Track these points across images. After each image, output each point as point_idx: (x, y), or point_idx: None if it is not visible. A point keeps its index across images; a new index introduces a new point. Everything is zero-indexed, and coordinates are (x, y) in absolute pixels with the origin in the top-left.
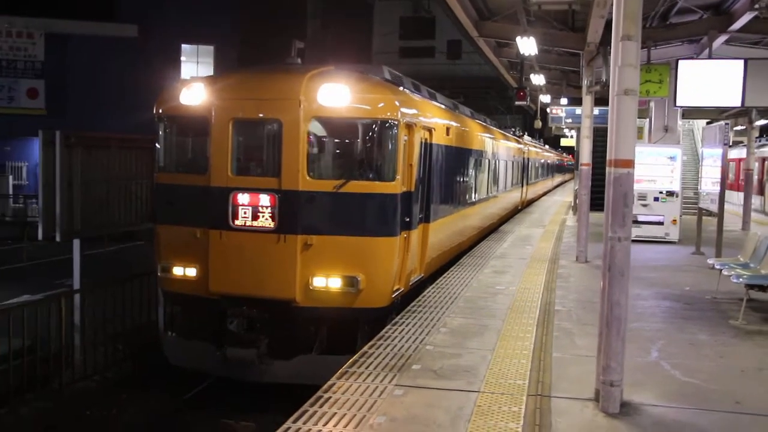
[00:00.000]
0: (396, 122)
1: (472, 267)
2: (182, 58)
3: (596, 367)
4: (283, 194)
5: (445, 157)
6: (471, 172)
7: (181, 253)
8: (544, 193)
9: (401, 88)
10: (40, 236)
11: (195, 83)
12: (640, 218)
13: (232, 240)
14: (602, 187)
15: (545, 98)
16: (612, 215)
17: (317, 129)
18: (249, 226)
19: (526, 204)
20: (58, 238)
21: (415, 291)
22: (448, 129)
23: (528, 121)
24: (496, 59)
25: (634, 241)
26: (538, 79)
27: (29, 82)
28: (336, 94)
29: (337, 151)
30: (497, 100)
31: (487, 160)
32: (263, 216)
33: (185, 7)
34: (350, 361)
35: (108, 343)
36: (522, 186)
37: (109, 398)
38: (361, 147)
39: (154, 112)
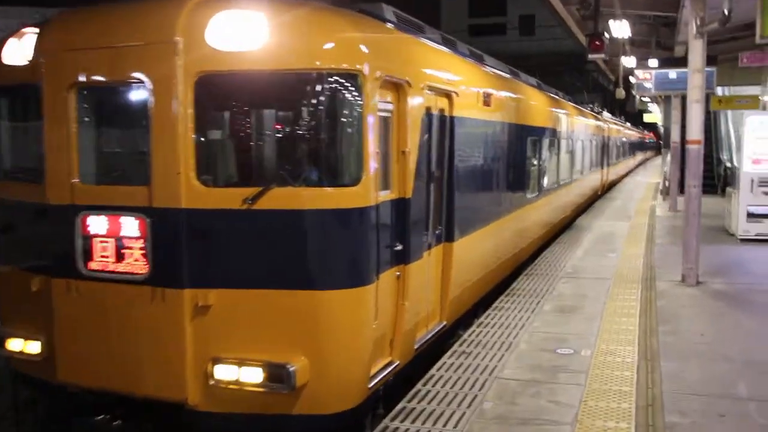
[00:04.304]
0: (356, 76)
1: (526, 299)
2: None
3: None
4: (158, 215)
5: (484, 137)
6: (533, 156)
7: (18, 315)
8: (626, 174)
9: (406, 34)
10: None
11: (27, 30)
12: (761, 211)
13: (85, 295)
14: None
15: (629, 61)
16: None
17: (212, 95)
18: (110, 271)
19: (608, 187)
20: None
21: (435, 344)
22: (487, 97)
23: (607, 99)
24: (562, 6)
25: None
26: (619, 29)
27: None
28: (241, 30)
29: (249, 134)
30: (574, 76)
31: (557, 140)
32: (130, 254)
33: None
34: None
35: None
36: (602, 168)
37: None
38: (292, 125)
39: None
